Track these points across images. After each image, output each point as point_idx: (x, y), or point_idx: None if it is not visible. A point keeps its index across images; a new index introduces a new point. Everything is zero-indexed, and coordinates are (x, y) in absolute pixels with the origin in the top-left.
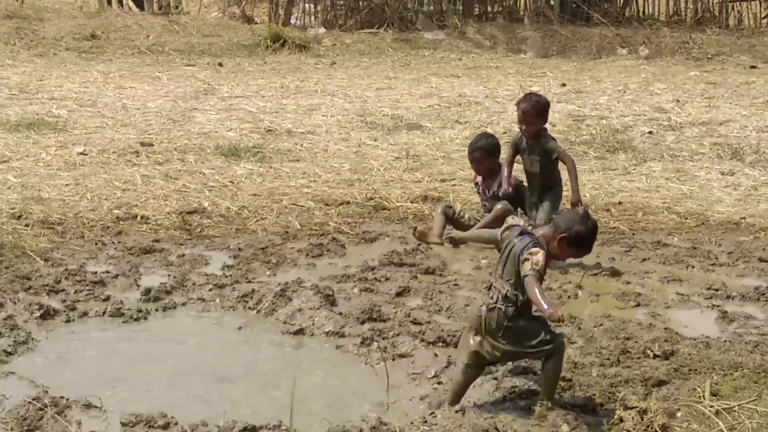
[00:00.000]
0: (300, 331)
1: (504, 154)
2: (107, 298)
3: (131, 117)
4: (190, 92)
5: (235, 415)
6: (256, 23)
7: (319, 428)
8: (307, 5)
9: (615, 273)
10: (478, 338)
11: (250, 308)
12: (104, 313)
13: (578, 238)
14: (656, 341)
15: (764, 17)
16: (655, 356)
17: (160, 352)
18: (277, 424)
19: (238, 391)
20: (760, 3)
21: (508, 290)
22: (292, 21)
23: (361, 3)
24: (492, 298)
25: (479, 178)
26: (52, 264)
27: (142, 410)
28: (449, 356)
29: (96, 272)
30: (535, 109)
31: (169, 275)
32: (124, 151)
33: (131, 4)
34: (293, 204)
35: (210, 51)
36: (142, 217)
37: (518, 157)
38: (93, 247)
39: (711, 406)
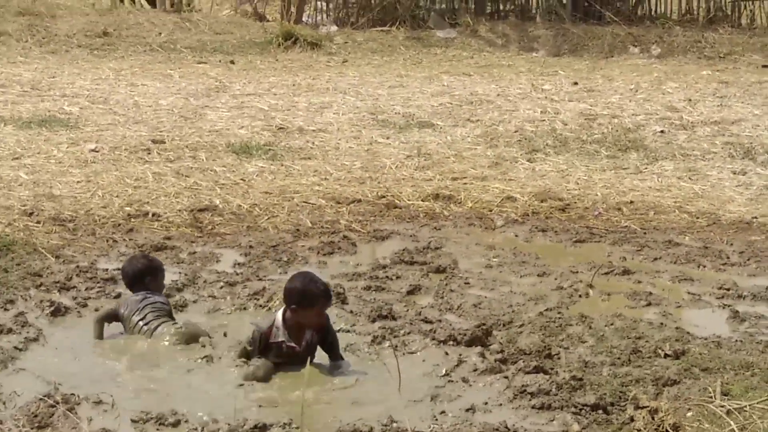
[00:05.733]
0: None
1: None
2: (118, 295)
3: (143, 114)
4: (201, 90)
5: (245, 412)
6: (268, 21)
7: (329, 426)
8: (319, 3)
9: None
10: None
11: (260, 306)
12: None
13: None
14: (667, 341)
15: None
16: (666, 356)
17: (170, 349)
18: (288, 422)
19: (249, 388)
20: None
21: None
22: (304, 19)
23: (373, 1)
24: None
25: (282, 328)
26: (64, 261)
27: (152, 407)
28: (459, 354)
29: (107, 269)
30: None
31: (180, 273)
32: (136, 148)
33: (143, 1)
34: (304, 202)
35: (222, 48)
36: (153, 215)
37: None
38: (104, 245)
39: (722, 406)
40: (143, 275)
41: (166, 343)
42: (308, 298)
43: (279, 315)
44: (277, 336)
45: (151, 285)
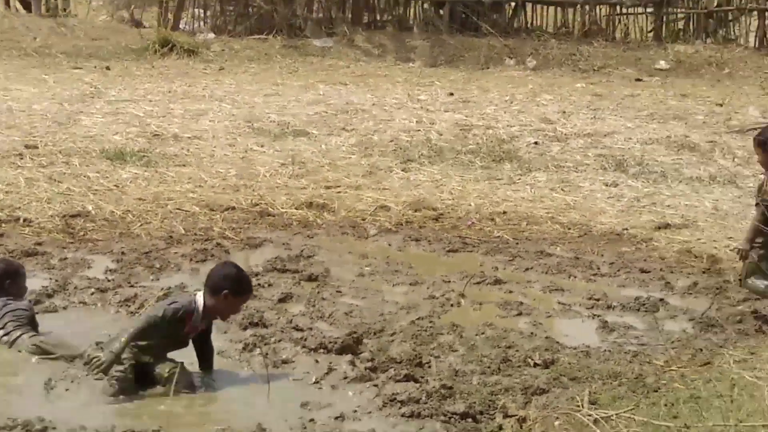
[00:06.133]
0: None
1: None
2: None
3: (16, 119)
4: (76, 95)
5: (113, 420)
6: (145, 27)
7: None
8: (196, 10)
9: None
10: None
11: (132, 313)
12: None
13: None
14: (537, 350)
15: (650, 31)
16: (536, 365)
17: (35, 358)
18: (156, 429)
19: (119, 396)
20: (647, 17)
21: None
22: (182, 26)
23: (250, 9)
24: None
25: (201, 313)
26: None
27: (19, 414)
28: (330, 363)
29: None
30: None
31: (50, 279)
32: (8, 153)
33: (18, 5)
34: (178, 209)
35: (97, 54)
36: (24, 220)
37: None
38: None
39: (589, 415)
40: (2, 279)
41: (23, 353)
42: (243, 286)
43: (200, 299)
44: (196, 320)
45: (12, 289)
